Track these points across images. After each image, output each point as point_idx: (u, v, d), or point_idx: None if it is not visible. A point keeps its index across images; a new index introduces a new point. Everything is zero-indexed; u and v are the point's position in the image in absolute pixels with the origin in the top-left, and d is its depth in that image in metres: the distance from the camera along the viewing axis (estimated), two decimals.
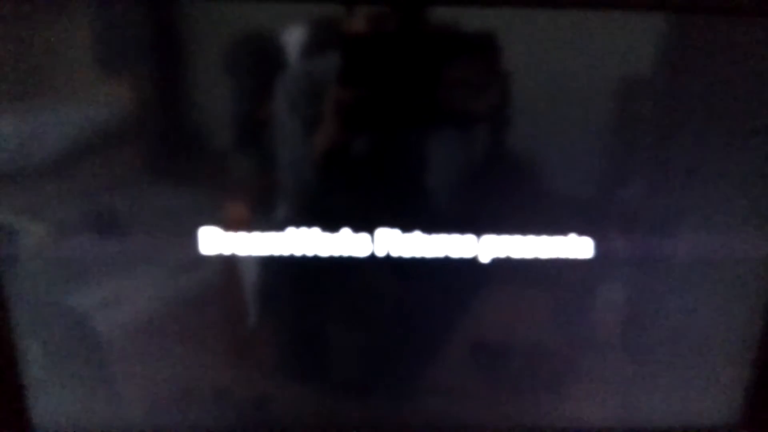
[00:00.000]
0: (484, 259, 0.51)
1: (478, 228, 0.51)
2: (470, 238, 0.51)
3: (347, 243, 0.51)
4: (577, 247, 0.51)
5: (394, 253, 0.51)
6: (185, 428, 0.57)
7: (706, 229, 0.52)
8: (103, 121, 0.47)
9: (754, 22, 0.46)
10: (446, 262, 0.51)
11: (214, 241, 0.51)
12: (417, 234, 0.51)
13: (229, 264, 0.52)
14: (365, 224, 0.50)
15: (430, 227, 0.50)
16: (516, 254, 0.51)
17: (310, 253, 0.51)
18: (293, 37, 0.46)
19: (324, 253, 0.51)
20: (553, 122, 0.48)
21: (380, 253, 0.51)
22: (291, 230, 0.51)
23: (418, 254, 0.51)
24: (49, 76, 0.46)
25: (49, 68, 0.46)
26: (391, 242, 0.51)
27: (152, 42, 0.46)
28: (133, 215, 0.50)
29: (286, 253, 0.51)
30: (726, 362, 0.56)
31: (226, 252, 0.51)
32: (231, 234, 0.50)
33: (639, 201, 0.51)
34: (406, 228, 0.50)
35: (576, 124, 0.48)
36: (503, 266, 0.51)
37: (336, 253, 0.51)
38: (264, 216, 0.51)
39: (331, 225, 0.50)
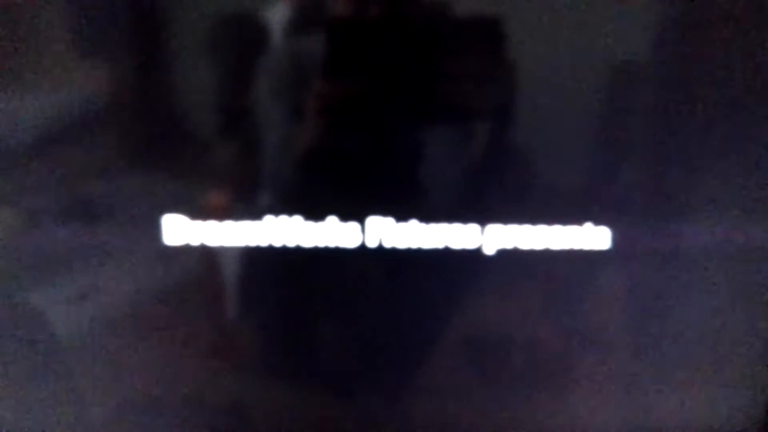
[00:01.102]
0: (489, 250, 0.49)
1: (482, 217, 0.48)
2: (474, 227, 0.48)
3: (334, 233, 0.48)
4: (593, 237, 0.49)
5: (387, 244, 0.48)
6: None
7: (731, 220, 0.49)
8: (77, 106, 0.47)
9: None
10: (446, 253, 0.49)
11: (182, 231, 0.48)
12: (413, 223, 0.48)
13: (203, 256, 0.50)
14: (355, 212, 0.48)
15: (428, 216, 0.48)
16: (524, 245, 0.49)
17: (291, 244, 0.48)
18: (275, 19, 0.45)
19: (308, 243, 0.48)
20: (564, 106, 0.46)
21: (371, 244, 0.48)
22: (269, 219, 0.48)
23: (414, 245, 0.49)
24: (20, 61, 0.46)
25: (21, 53, 0.46)
26: (384, 232, 0.48)
27: (128, 23, 0.46)
28: (104, 204, 0.49)
29: (264, 243, 0.49)
30: (752, 363, 0.53)
31: (195, 243, 0.49)
32: (202, 223, 0.48)
33: (659, 188, 0.49)
34: (401, 217, 0.48)
35: (588, 107, 0.47)
36: (510, 258, 0.49)
37: (321, 244, 0.48)
38: (239, 203, 0.49)
39: (315, 213, 0.48)
